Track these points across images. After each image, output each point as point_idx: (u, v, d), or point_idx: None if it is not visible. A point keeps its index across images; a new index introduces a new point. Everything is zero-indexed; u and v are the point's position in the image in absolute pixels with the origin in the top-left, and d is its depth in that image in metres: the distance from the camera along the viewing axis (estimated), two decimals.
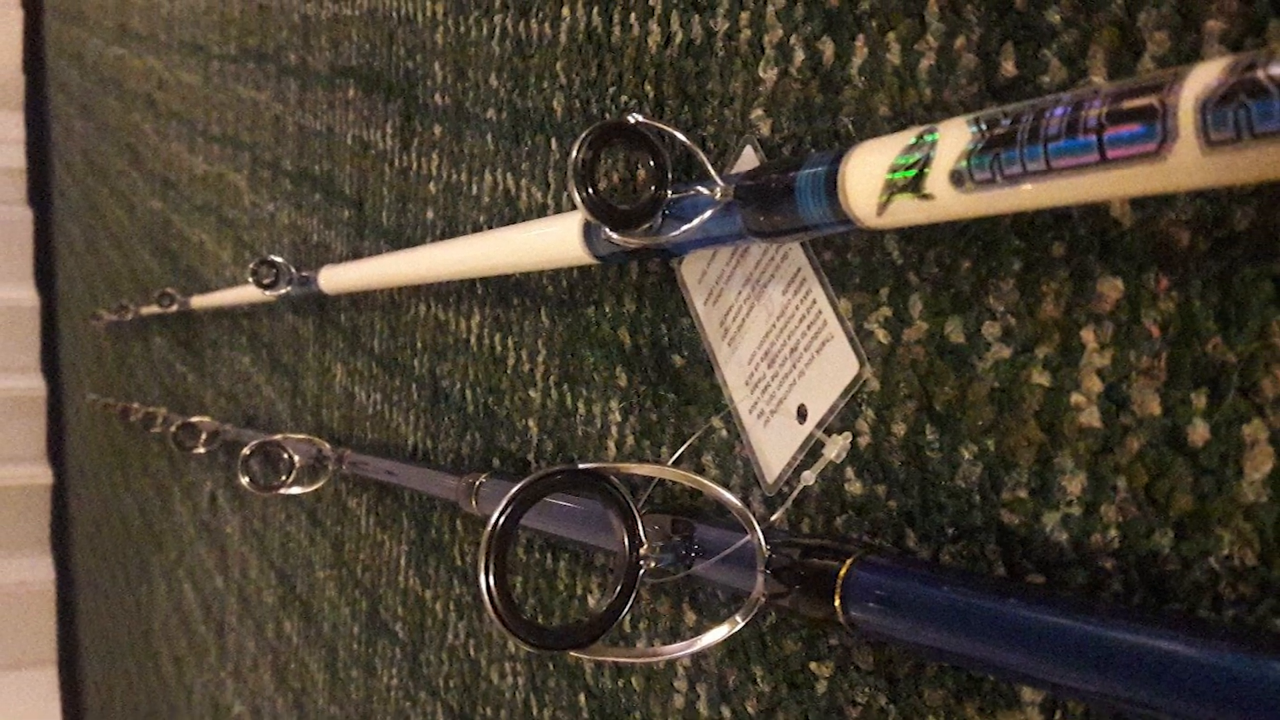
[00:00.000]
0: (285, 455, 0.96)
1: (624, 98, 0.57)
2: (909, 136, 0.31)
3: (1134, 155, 0.24)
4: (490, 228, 0.73)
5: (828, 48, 0.43)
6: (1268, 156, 0.22)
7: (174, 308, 1.56)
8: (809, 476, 0.44)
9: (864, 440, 0.42)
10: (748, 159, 0.47)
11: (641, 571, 0.41)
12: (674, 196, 0.46)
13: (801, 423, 0.45)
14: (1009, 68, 0.36)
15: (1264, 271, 0.29)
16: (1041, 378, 0.35)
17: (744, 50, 0.48)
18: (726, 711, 0.50)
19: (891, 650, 0.41)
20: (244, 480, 0.96)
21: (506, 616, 0.38)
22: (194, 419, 1.37)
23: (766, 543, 0.40)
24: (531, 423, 0.68)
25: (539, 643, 0.39)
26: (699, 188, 0.44)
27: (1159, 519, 0.32)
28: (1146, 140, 0.24)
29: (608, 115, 0.58)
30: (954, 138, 0.30)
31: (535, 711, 0.68)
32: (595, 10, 0.59)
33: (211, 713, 1.56)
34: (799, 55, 0.44)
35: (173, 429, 1.37)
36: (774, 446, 0.46)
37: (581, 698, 0.62)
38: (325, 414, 1.10)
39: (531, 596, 0.68)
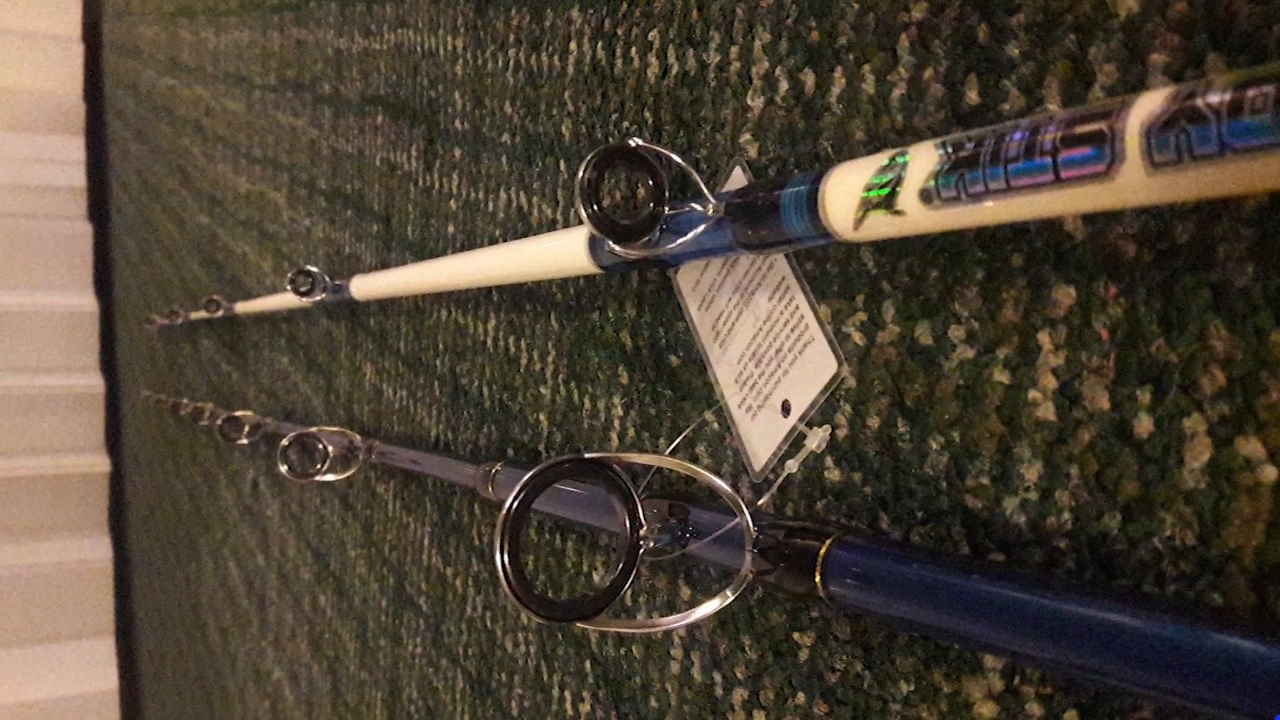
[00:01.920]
0: (320, 446, 0.96)
1: (625, 124, 0.57)
2: (882, 159, 0.31)
3: (1085, 175, 0.24)
4: (505, 241, 0.73)
5: (809, 79, 0.43)
6: (1205, 177, 0.22)
7: (220, 313, 1.56)
8: (792, 465, 0.44)
9: (842, 432, 0.42)
10: (737, 179, 0.47)
11: (641, 550, 0.41)
12: (671, 212, 0.46)
13: (785, 417, 0.45)
14: (973, 96, 0.36)
15: (1202, 280, 0.29)
16: (1002, 376, 0.35)
17: (734, 81, 0.48)
18: (718, 677, 0.50)
19: (867, 622, 0.41)
20: (283, 468, 0.96)
21: (520, 591, 0.38)
22: (238, 413, 1.36)
23: (754, 525, 0.40)
24: (542, 416, 0.68)
25: (549, 615, 0.39)
26: (693, 205, 0.44)
27: (1108, 503, 0.32)
28: (1097, 162, 0.24)
29: (611, 139, 0.58)
30: (923, 160, 0.30)
31: (545, 677, 0.67)
32: (600, 45, 0.59)
33: (253, 678, 1.56)
34: (783, 85, 0.44)
35: (218, 422, 1.37)
36: (761, 438, 0.46)
37: (587, 664, 0.62)
38: (356, 409, 1.09)
39: (542, 573, 0.68)
